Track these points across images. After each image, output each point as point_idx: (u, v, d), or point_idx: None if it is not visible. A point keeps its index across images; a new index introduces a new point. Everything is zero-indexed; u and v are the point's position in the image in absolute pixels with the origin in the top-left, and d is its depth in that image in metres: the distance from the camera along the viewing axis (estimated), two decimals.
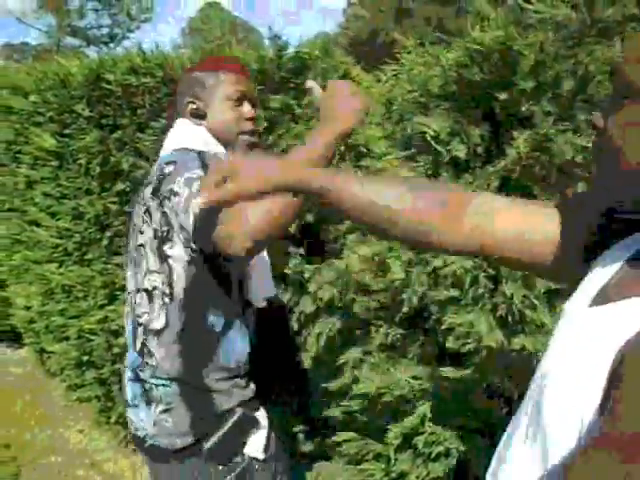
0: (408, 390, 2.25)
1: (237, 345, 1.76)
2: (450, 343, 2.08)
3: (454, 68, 1.96)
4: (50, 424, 4.12)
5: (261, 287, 1.86)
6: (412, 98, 2.02)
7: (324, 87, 1.63)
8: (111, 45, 29.93)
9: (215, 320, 1.70)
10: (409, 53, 2.08)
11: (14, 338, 5.06)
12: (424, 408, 2.15)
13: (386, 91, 2.13)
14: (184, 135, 1.86)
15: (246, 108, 1.88)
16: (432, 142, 1.89)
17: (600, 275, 1.03)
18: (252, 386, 1.84)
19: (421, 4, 16.43)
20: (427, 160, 2.05)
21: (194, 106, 1.89)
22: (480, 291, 1.95)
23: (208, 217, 1.46)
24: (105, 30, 31.03)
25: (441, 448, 2.32)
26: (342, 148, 2.21)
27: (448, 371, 2.16)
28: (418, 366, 2.29)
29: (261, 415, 1.82)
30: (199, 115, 1.88)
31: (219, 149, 1.83)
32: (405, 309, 2.17)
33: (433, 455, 2.33)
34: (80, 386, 3.69)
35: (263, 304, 1.87)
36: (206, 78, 1.90)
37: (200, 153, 1.69)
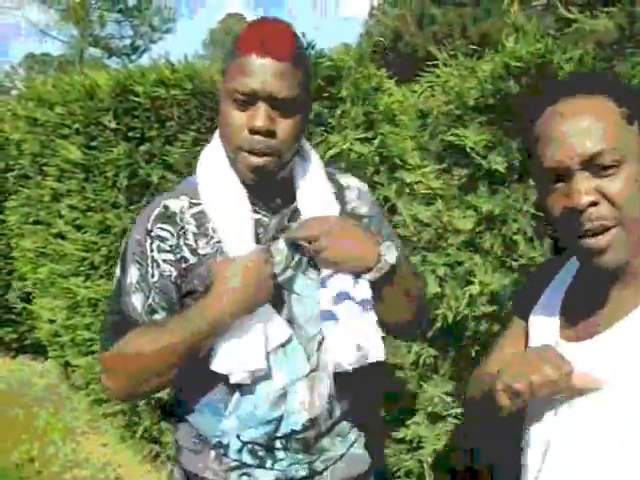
0: (441, 407, 2.21)
1: (205, 420, 1.41)
2: None
3: (490, 80, 1.93)
4: (74, 438, 4.10)
5: (233, 356, 1.32)
6: (447, 110, 1.98)
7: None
8: (133, 57, 30.18)
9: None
10: (445, 65, 2.04)
11: (38, 350, 5.06)
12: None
13: (421, 103, 2.10)
14: (204, 152, 1.48)
15: (254, 113, 1.28)
16: (472, 154, 1.86)
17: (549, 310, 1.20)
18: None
19: (445, 10, 16.40)
20: (463, 173, 2.02)
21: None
22: None
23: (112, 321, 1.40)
24: (127, 41, 31.31)
25: None
26: (376, 159, 2.17)
27: None
28: (450, 383, 2.25)
29: None
30: None
31: (227, 176, 1.39)
32: (438, 324, 2.13)
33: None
34: (105, 400, 3.67)
35: (245, 380, 1.32)
36: (226, 59, 1.38)
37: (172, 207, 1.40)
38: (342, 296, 1.35)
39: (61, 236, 3.73)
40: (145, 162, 3.07)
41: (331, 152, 2.18)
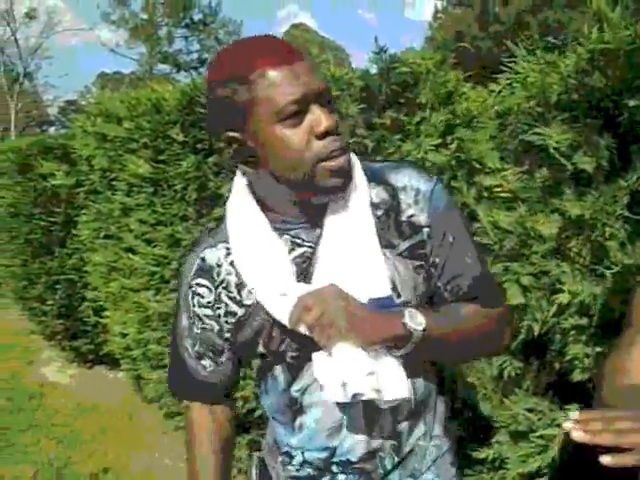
0: (525, 425, 2.08)
1: (279, 431, 1.45)
2: (577, 375, 1.90)
3: (574, 74, 1.79)
4: (148, 450, 4.11)
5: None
6: (528, 108, 1.86)
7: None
8: (201, 70, 30.76)
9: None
10: (523, 60, 1.92)
11: (113, 361, 5.12)
12: (551, 452, 1.95)
13: (499, 102, 1.98)
14: (229, 203, 1.37)
15: (313, 119, 1.14)
16: (555, 154, 1.73)
17: None
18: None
19: (507, 9, 16.12)
20: (546, 174, 1.89)
21: (235, 145, 1.20)
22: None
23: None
24: (194, 55, 32.01)
25: None
26: (453, 163, 2.07)
27: (573, 407, 1.98)
28: (533, 399, 2.12)
29: None
30: (249, 158, 1.21)
31: (256, 220, 1.28)
32: (522, 336, 2.01)
33: None
34: (177, 414, 3.65)
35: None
36: (236, 91, 1.14)
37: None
38: None
39: (131, 250, 3.73)
40: (214, 174, 3.03)
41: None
